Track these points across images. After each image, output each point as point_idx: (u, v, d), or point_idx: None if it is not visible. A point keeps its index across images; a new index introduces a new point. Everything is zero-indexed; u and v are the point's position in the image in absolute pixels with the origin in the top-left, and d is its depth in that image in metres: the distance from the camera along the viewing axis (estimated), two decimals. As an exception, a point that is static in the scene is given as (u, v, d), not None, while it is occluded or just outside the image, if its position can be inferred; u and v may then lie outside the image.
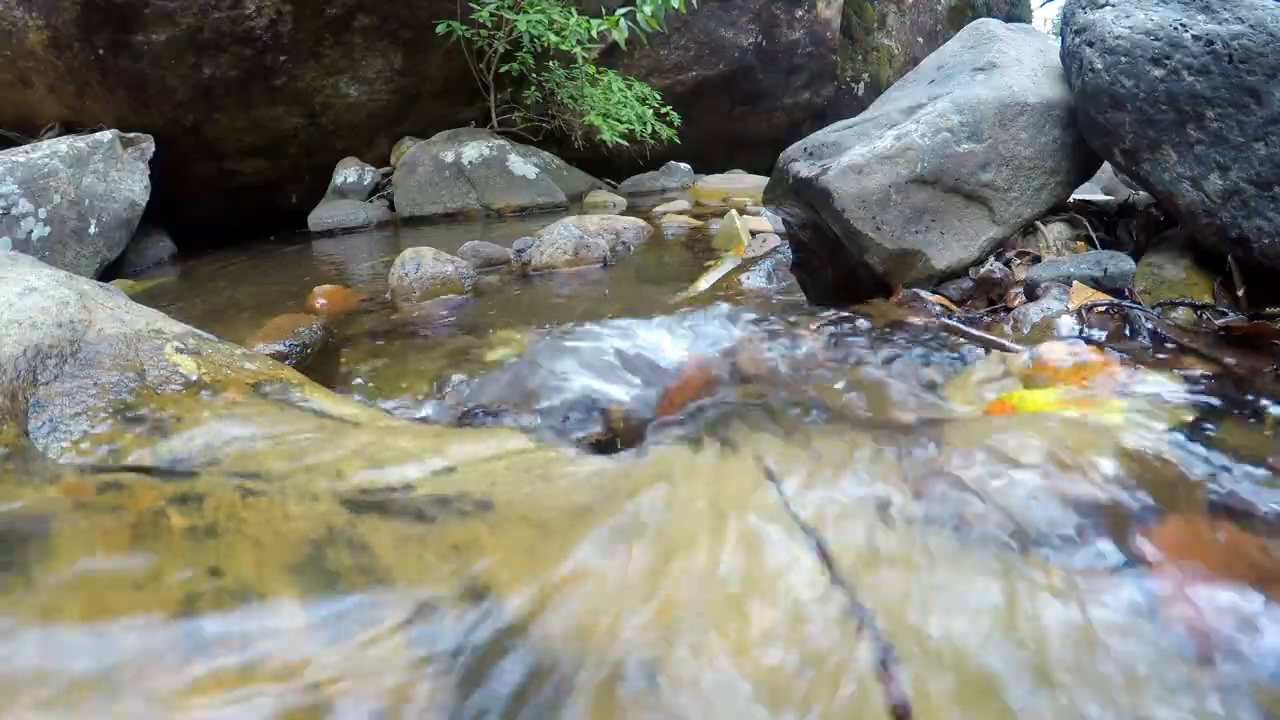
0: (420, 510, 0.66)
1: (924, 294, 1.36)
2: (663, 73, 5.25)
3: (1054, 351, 1.04)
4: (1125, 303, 1.19)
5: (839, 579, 0.58)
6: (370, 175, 4.38)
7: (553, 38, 4.04)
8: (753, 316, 1.36)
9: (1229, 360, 1.01)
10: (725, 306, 1.63)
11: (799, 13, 5.79)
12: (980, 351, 1.14)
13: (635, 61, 4.99)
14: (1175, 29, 1.20)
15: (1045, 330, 1.18)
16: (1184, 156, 1.20)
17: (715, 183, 4.54)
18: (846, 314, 1.32)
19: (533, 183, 4.18)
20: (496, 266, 2.47)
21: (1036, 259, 1.42)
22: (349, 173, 4.36)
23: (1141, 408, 0.88)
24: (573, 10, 4.14)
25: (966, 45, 1.65)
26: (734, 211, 2.70)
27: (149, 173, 3.44)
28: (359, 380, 1.43)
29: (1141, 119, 1.23)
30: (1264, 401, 0.89)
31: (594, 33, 4.10)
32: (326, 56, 4.08)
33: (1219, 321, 1.13)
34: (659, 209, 3.44)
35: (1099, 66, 1.28)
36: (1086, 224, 1.49)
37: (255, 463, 0.79)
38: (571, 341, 1.29)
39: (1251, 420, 0.85)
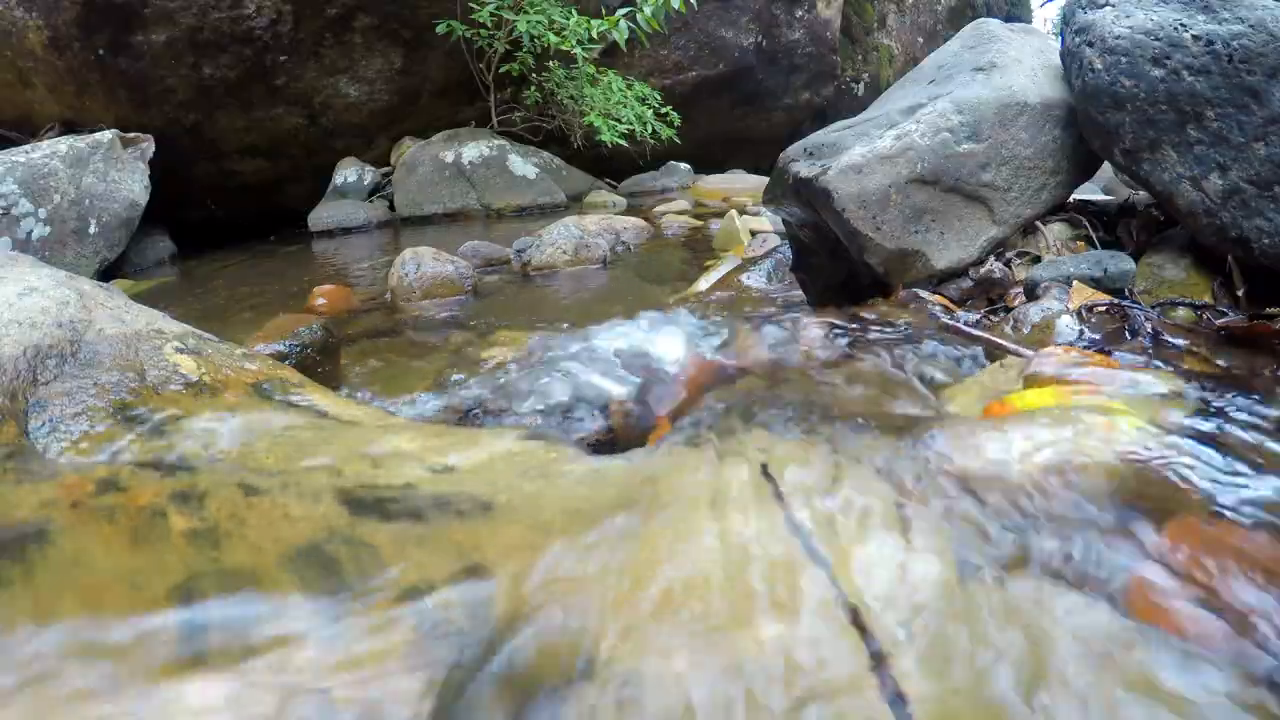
0: (420, 509, 0.66)
1: (924, 294, 1.36)
2: (663, 73, 5.25)
3: (1054, 351, 1.04)
4: (1125, 303, 1.19)
5: (836, 584, 0.58)
6: (370, 175, 4.38)
7: (553, 38, 4.04)
8: (753, 316, 1.36)
9: (1229, 360, 1.01)
10: (725, 306, 1.63)
11: (799, 13, 5.79)
12: (980, 351, 1.14)
13: (635, 61, 4.99)
14: (1175, 29, 1.20)
15: (1045, 330, 1.18)
16: (1184, 156, 1.20)
17: (715, 183, 4.54)
18: (846, 314, 1.32)
19: (533, 183, 4.18)
20: (496, 266, 2.47)
21: (1036, 259, 1.42)
22: (349, 173, 4.36)
23: (1141, 408, 0.88)
24: (573, 10, 4.14)
25: (966, 45, 1.65)
26: (734, 211, 2.70)
27: (149, 173, 3.44)
28: (359, 380, 1.43)
29: (1141, 119, 1.23)
30: (1263, 401, 0.88)
31: (594, 33, 4.10)
32: (326, 56, 4.08)
33: (1219, 321, 1.12)
34: (659, 209, 3.44)
35: (1099, 66, 1.28)
36: (1086, 224, 1.49)
37: (255, 462, 0.79)
38: (571, 341, 1.29)
39: (1251, 420, 0.85)
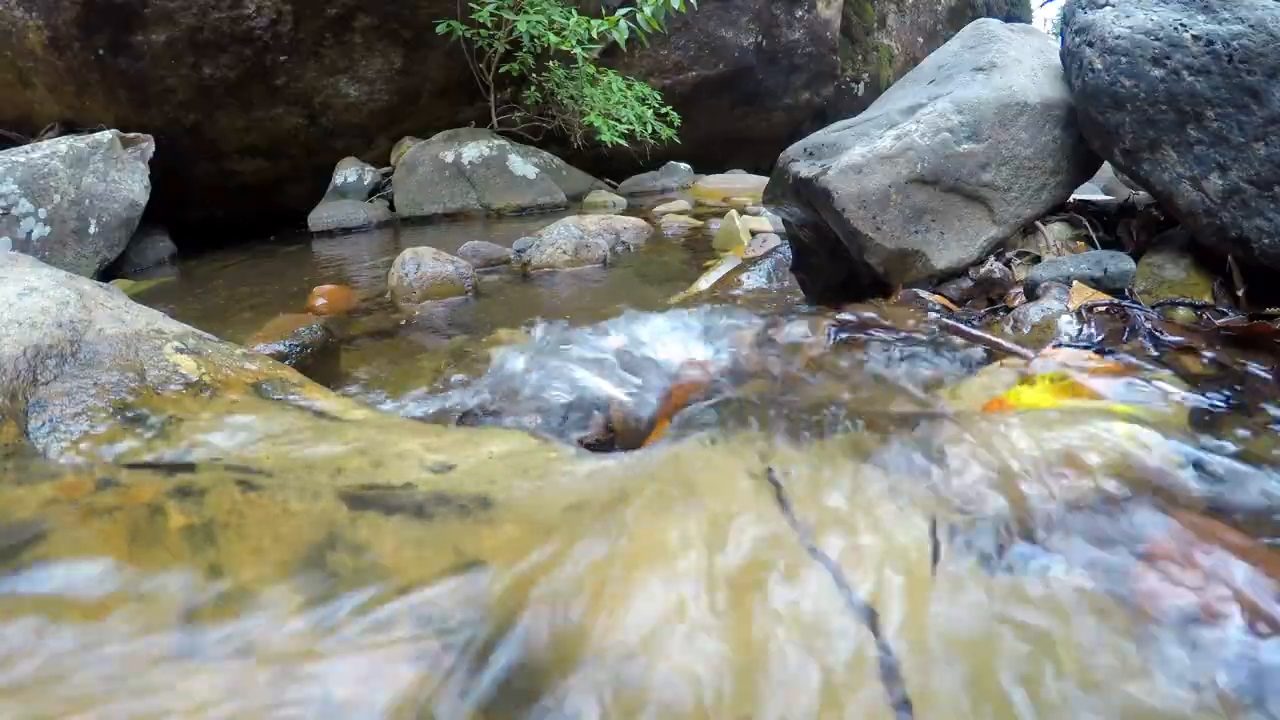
0: (420, 508, 0.66)
1: (924, 294, 1.36)
2: (663, 73, 5.25)
3: (1053, 351, 1.04)
4: (1125, 303, 1.19)
5: (841, 581, 0.58)
6: (370, 175, 4.38)
7: (552, 38, 4.04)
8: (752, 316, 1.36)
9: (1228, 360, 1.01)
10: (725, 306, 1.63)
11: (799, 13, 5.79)
12: (980, 351, 1.14)
13: (635, 61, 4.99)
14: (1175, 29, 1.20)
15: (1045, 330, 1.18)
16: (1184, 156, 1.20)
17: (715, 183, 4.54)
18: (846, 314, 1.32)
19: (533, 183, 4.18)
20: (496, 266, 2.47)
21: (1036, 259, 1.42)
22: (349, 173, 4.36)
23: (1140, 407, 0.88)
24: (573, 10, 4.14)
25: (966, 45, 1.64)
26: (734, 211, 2.70)
27: (149, 173, 3.44)
28: (359, 380, 1.43)
29: (1141, 119, 1.23)
30: (1262, 401, 0.89)
31: (594, 33, 4.10)
32: (326, 56, 4.08)
33: (1219, 321, 1.12)
34: (659, 209, 3.44)
35: (1099, 66, 1.28)
36: (1086, 224, 1.49)
37: (255, 461, 0.79)
38: (572, 341, 1.29)
39: (1250, 420, 0.85)
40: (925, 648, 0.52)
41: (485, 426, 1.07)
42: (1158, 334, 1.10)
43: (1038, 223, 1.48)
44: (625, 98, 4.54)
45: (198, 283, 2.99)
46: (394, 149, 4.59)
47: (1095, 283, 1.27)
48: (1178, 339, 1.08)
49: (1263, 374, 0.97)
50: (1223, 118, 1.15)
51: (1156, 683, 0.51)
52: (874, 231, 1.34)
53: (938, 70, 1.61)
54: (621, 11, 4.13)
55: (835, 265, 1.49)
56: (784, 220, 1.61)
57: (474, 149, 4.24)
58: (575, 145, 4.60)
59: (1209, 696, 0.50)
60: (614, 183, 4.79)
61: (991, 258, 1.42)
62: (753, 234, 2.44)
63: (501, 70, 4.33)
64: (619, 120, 4.41)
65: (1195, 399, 0.90)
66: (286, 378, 1.08)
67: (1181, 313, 1.18)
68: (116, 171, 3.25)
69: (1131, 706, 0.49)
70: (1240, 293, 1.19)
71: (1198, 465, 0.71)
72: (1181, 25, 1.19)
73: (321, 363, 1.53)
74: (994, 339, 1.16)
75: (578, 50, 4.11)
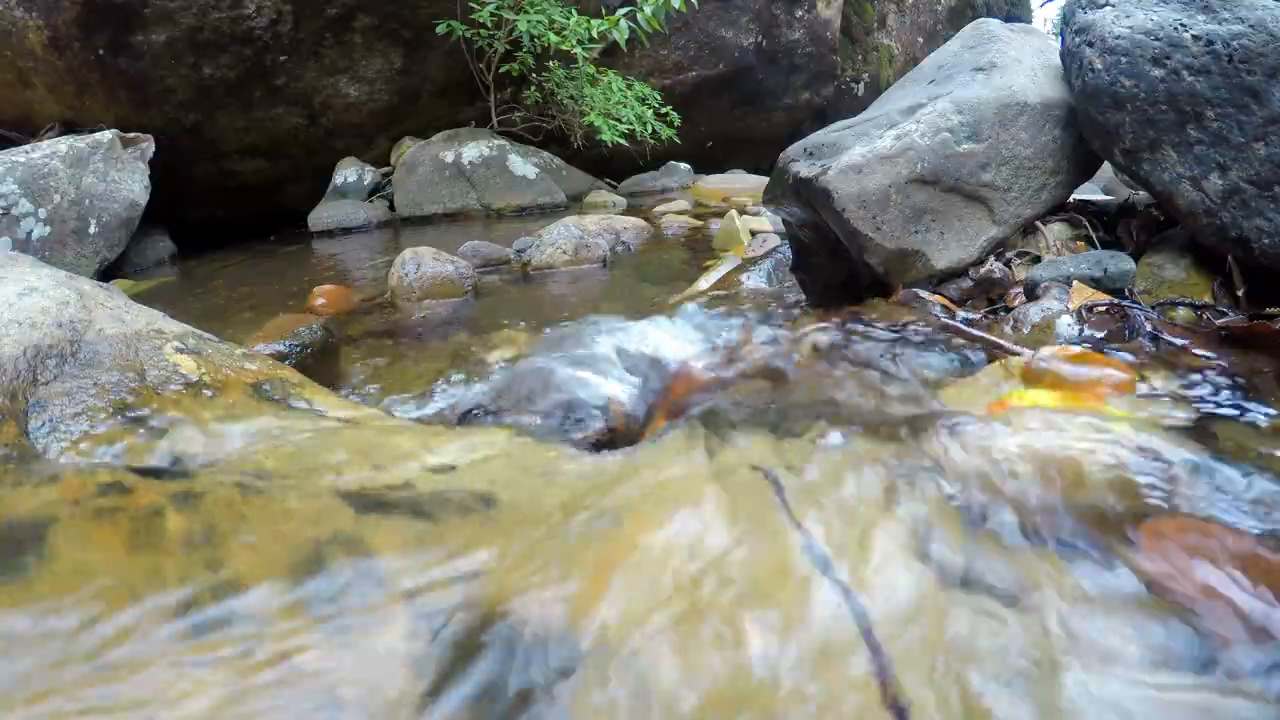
0: (420, 508, 0.66)
1: (924, 294, 1.36)
2: (663, 73, 5.24)
3: (1053, 351, 1.04)
4: (1125, 303, 1.19)
5: (835, 577, 0.58)
6: (370, 175, 4.37)
7: (553, 38, 4.04)
8: (752, 316, 1.36)
9: (1228, 360, 1.01)
10: (725, 306, 1.63)
11: (799, 13, 5.79)
12: (980, 352, 1.14)
13: (635, 61, 4.99)
14: (1175, 29, 1.20)
15: (1045, 330, 1.18)
16: (1184, 156, 1.20)
17: (715, 183, 4.54)
18: (846, 314, 1.32)
19: (533, 183, 4.18)
20: (496, 266, 2.47)
21: (1036, 259, 1.42)
22: (349, 173, 4.35)
23: (1140, 408, 0.88)
24: (573, 10, 4.14)
25: (966, 45, 1.64)
26: (734, 211, 2.70)
27: (149, 173, 3.44)
28: (359, 380, 1.43)
29: (1141, 119, 1.23)
30: (1262, 402, 0.89)
31: (594, 33, 4.10)
32: (326, 56, 4.08)
33: (1219, 321, 1.13)
34: (659, 209, 3.44)
35: (1099, 66, 1.28)
36: (1086, 224, 1.49)
37: (255, 462, 0.79)
38: (571, 341, 1.29)
39: (1249, 420, 0.85)
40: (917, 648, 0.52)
41: (485, 426, 1.07)
42: (1158, 334, 1.10)
43: (1038, 223, 1.48)
44: (625, 98, 4.54)
45: (198, 283, 2.99)
46: (394, 149, 4.59)
47: (1095, 283, 1.27)
48: (1177, 339, 1.08)
49: (1263, 374, 0.97)
50: (1223, 118, 1.15)
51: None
52: (874, 231, 1.34)
53: (938, 70, 1.61)
54: (621, 11, 4.13)
55: (835, 265, 1.49)
56: (784, 220, 1.61)
57: (474, 149, 4.24)
58: (575, 145, 4.60)
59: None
60: (614, 183, 4.78)
61: (991, 258, 1.42)
62: (753, 234, 2.44)
63: (501, 70, 4.33)
64: (619, 120, 4.40)
65: (1194, 400, 0.90)
66: (286, 378, 1.08)
67: (1181, 313, 1.18)
68: (116, 171, 3.25)
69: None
70: (1240, 293, 1.19)
71: (1195, 466, 0.71)
72: (1181, 25, 1.19)
73: (321, 363, 1.53)
74: (994, 339, 1.16)
75: (578, 50, 4.11)
